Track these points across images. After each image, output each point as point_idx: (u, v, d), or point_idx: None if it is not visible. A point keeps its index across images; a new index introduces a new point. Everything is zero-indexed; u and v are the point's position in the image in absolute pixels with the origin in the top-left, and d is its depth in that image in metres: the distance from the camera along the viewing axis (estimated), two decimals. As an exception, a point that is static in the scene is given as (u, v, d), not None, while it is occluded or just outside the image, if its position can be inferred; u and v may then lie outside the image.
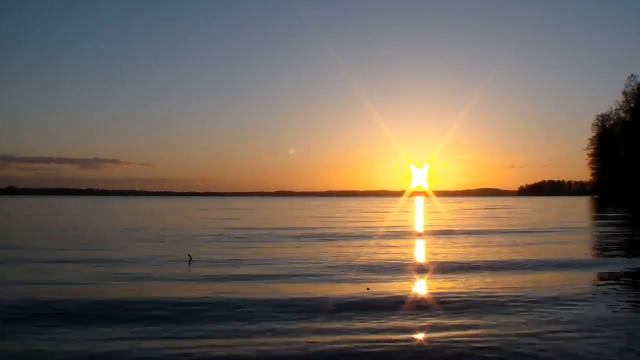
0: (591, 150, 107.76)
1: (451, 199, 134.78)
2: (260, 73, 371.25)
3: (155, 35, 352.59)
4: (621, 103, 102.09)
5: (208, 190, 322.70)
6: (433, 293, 7.68)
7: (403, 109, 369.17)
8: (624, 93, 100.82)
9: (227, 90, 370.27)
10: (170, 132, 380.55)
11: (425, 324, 5.91)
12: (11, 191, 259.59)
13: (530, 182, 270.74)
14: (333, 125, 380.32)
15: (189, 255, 11.66)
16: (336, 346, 5.03)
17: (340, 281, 8.70)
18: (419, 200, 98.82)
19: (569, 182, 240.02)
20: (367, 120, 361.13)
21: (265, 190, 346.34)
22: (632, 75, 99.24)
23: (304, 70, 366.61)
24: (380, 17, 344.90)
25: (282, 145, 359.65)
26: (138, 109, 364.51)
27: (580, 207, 51.10)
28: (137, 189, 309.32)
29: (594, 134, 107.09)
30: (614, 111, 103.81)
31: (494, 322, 5.92)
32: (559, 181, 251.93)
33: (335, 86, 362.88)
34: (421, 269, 10.24)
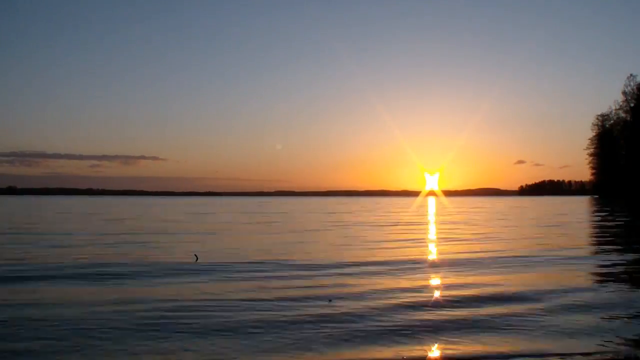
0: (591, 150, 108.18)
1: (463, 199, 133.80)
2: (264, 74, 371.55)
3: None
4: (621, 103, 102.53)
5: (208, 190, 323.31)
6: None
7: (414, 111, 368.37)
8: (624, 93, 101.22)
9: (234, 91, 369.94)
10: (172, 131, 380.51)
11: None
12: (11, 190, 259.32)
13: (530, 181, 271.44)
14: (332, 125, 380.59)
15: (195, 255, 11.75)
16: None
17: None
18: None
19: (569, 182, 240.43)
20: (370, 122, 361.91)
21: (264, 190, 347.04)
22: (631, 75, 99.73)
23: (311, 72, 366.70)
24: (392, 22, 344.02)
25: (283, 145, 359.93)
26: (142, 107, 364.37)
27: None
28: (138, 188, 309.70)
29: (594, 134, 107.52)
30: (613, 111, 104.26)
31: None
32: (558, 181, 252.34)
33: (343, 87, 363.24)
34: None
